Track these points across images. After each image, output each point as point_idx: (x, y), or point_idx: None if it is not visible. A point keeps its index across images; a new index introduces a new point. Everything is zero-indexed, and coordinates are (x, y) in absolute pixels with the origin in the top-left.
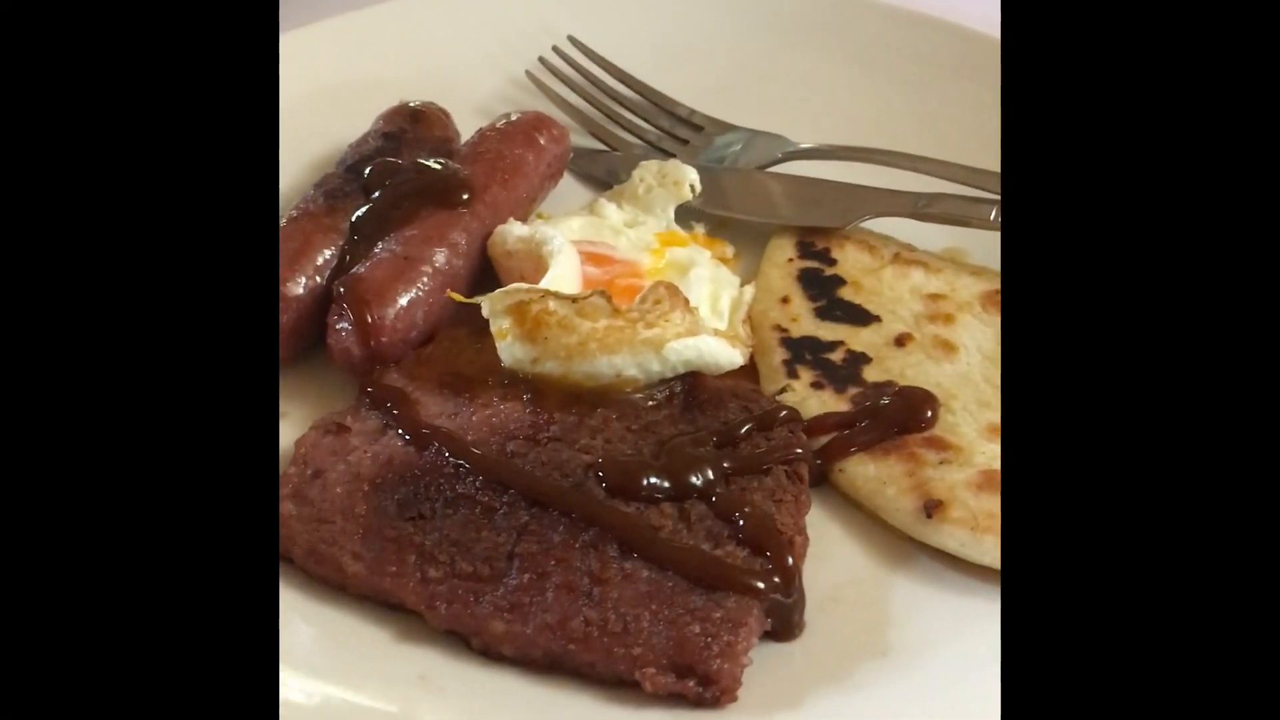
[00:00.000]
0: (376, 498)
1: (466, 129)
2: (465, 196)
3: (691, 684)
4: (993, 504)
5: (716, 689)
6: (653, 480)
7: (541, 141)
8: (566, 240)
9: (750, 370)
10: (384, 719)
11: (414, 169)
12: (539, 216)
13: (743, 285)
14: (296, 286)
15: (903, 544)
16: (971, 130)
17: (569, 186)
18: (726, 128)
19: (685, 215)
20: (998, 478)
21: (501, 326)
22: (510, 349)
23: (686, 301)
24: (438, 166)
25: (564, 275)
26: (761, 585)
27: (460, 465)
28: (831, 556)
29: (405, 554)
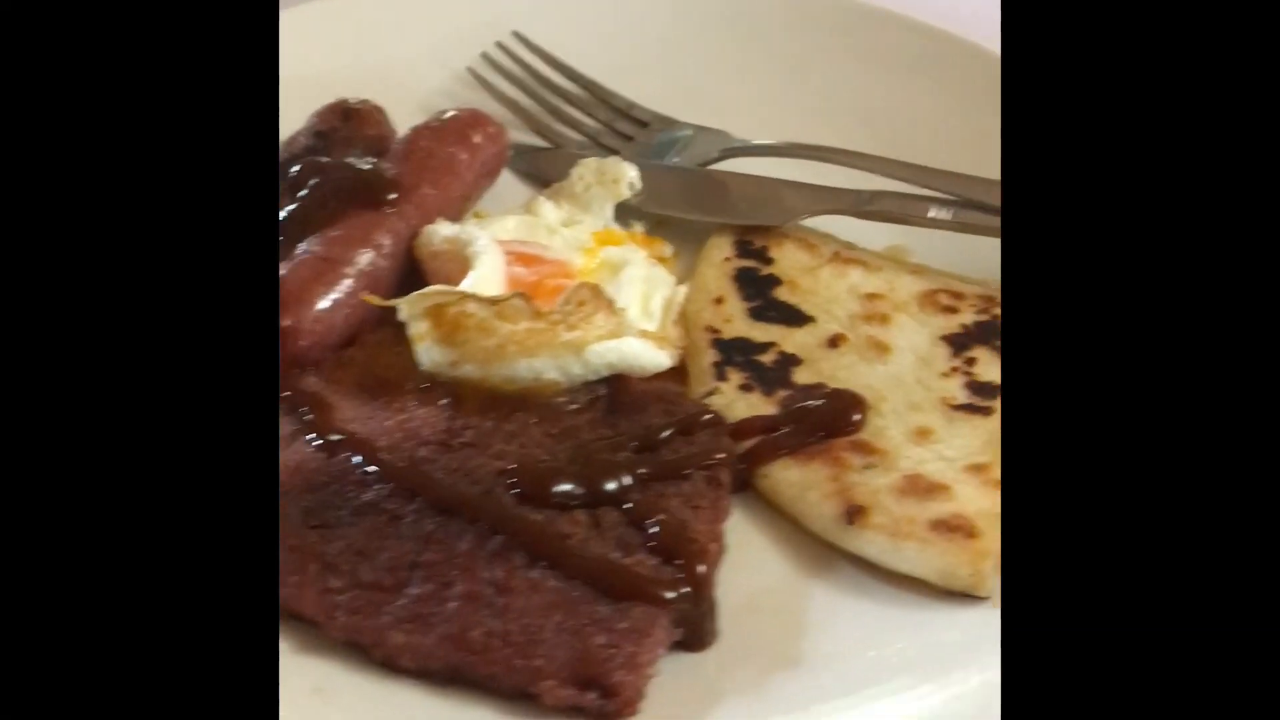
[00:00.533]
0: (282, 505)
1: (405, 126)
2: (393, 196)
3: (592, 697)
4: (915, 510)
5: (617, 701)
6: (565, 487)
7: (476, 140)
8: (492, 240)
9: (680, 373)
10: None
11: (341, 168)
12: (476, 215)
13: (680, 284)
14: None
15: (824, 551)
16: (914, 126)
17: (511, 184)
18: (671, 123)
19: (626, 214)
20: (921, 482)
21: (419, 329)
22: (428, 352)
23: (611, 303)
24: (365, 166)
25: (487, 276)
26: (670, 595)
27: (369, 471)
28: (751, 564)
29: (307, 563)
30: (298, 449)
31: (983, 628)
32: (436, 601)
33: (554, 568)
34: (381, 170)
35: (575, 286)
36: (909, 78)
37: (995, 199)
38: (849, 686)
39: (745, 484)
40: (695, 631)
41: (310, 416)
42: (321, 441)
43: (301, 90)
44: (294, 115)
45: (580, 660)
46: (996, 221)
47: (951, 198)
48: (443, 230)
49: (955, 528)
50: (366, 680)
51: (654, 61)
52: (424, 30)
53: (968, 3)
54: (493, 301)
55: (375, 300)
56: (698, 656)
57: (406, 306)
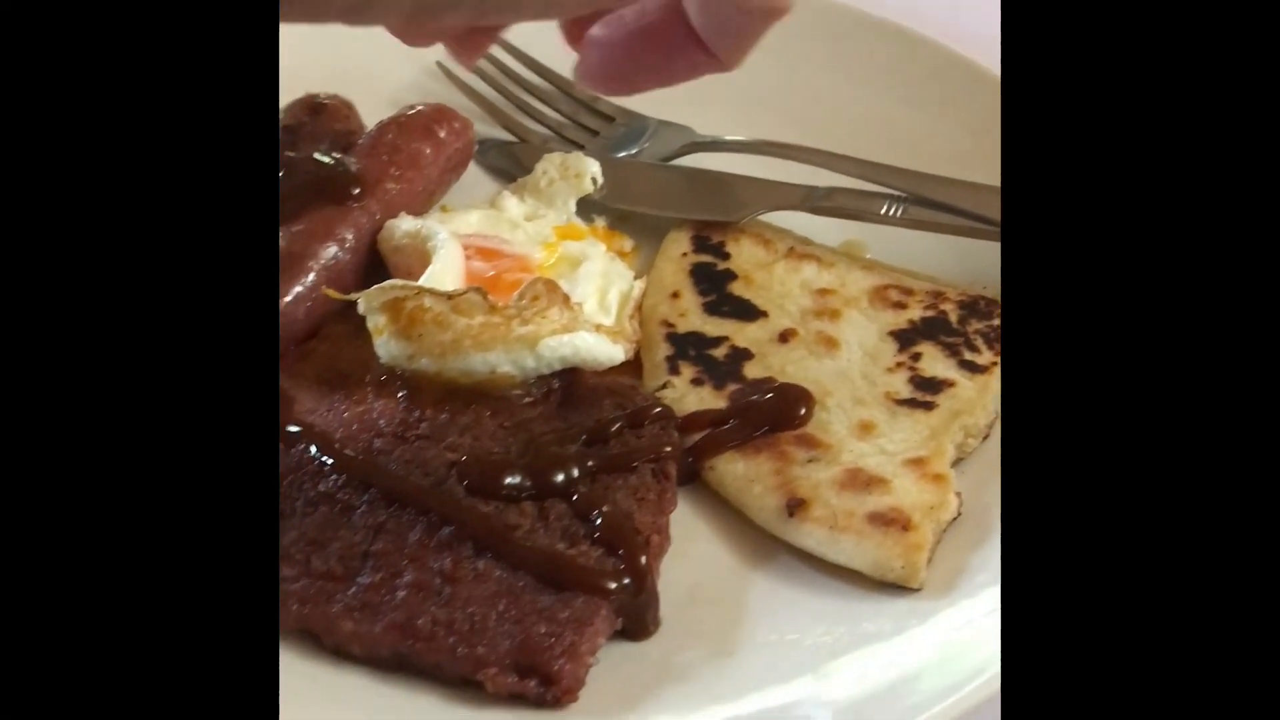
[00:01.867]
0: None
1: (375, 121)
2: (357, 191)
3: (533, 684)
4: (853, 503)
5: (558, 689)
6: (514, 479)
7: (441, 134)
8: (451, 235)
9: (636, 366)
10: None
11: (307, 163)
12: (441, 210)
13: (636, 279)
14: None
15: (767, 541)
16: (869, 124)
17: (477, 178)
18: (636, 118)
19: (589, 208)
20: (861, 476)
21: (377, 323)
22: (386, 346)
23: (566, 298)
24: (331, 161)
25: (444, 270)
26: (611, 585)
27: (324, 463)
28: (695, 555)
29: None
30: None
31: (908, 617)
32: (386, 590)
33: (500, 558)
34: (346, 165)
35: (530, 281)
36: (870, 77)
37: (946, 196)
38: (780, 673)
39: (693, 476)
40: (636, 621)
41: None
42: (280, 433)
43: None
44: None
45: (522, 649)
46: (946, 218)
47: (904, 194)
48: (404, 225)
49: (891, 521)
50: (318, 668)
51: None
52: None
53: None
54: (449, 296)
55: (335, 294)
56: (639, 645)
57: (365, 300)
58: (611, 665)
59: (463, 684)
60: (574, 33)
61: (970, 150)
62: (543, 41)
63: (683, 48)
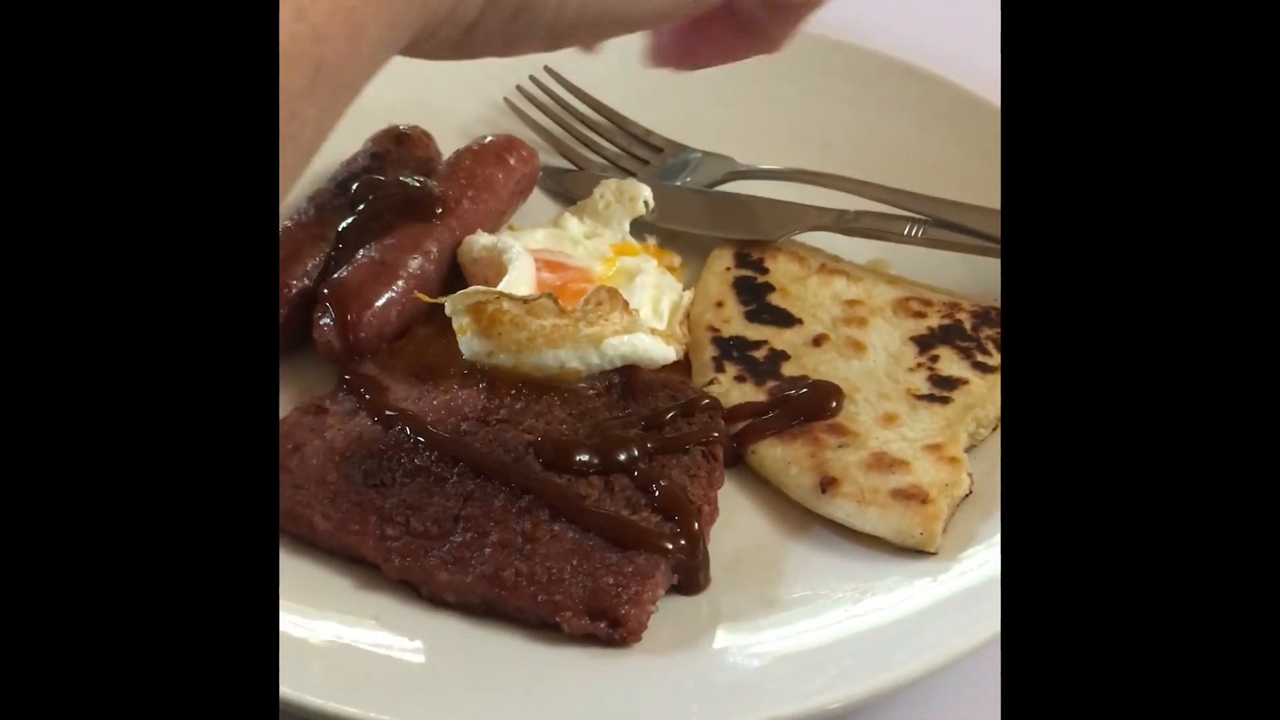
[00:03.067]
0: (345, 468)
1: (449, 149)
2: (439, 210)
3: (603, 626)
4: (878, 481)
5: (624, 630)
6: (583, 456)
7: (511, 162)
8: (523, 249)
9: (685, 365)
10: (341, 649)
11: (395, 185)
12: (509, 228)
13: (684, 290)
14: (288, 288)
15: (802, 515)
16: (893, 155)
17: (540, 202)
18: (682, 149)
19: (640, 229)
20: (885, 459)
21: (462, 323)
22: (469, 343)
23: (626, 304)
24: (416, 184)
25: (519, 279)
26: (669, 545)
27: (419, 441)
28: (740, 525)
29: (367, 515)
30: (358, 423)
31: (924, 575)
32: (475, 548)
33: (572, 522)
34: (429, 187)
35: (595, 289)
36: (893, 112)
37: (961, 219)
38: (813, 619)
39: (737, 459)
40: (690, 578)
41: (368, 397)
42: (378, 417)
43: (359, 117)
44: (353, 139)
45: (593, 596)
46: (961, 238)
47: (924, 217)
48: (482, 240)
49: (911, 495)
50: (416, 611)
51: (669, 94)
52: (466, 66)
53: (953, 44)
54: (524, 300)
55: (425, 298)
56: (693, 599)
57: (451, 304)
58: (669, 613)
59: (542, 626)
60: None
61: (983, 177)
62: (601, 80)
63: (734, 34)
